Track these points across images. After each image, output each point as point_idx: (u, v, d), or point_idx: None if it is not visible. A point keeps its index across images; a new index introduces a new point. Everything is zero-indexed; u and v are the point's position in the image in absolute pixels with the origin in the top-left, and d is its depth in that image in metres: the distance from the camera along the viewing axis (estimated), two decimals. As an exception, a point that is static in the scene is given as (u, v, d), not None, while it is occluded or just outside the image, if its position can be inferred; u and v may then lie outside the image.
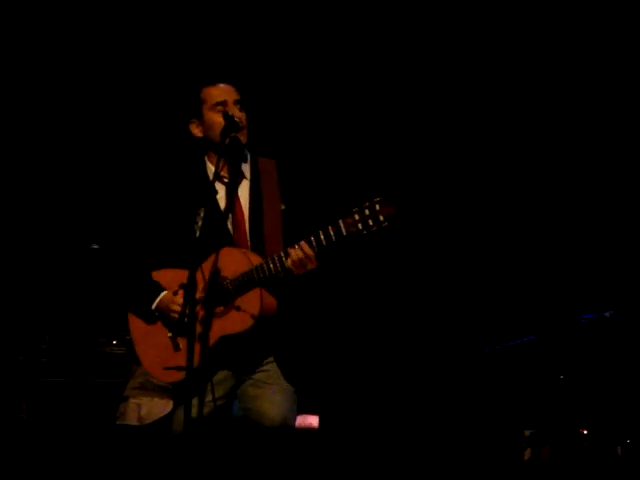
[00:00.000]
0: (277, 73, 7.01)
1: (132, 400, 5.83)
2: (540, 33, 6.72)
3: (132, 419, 5.80)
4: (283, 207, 4.29)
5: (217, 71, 4.75)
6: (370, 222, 3.92)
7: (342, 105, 7.09)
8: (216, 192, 4.30)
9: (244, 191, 4.35)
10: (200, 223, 4.03)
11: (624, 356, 6.02)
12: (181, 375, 4.09)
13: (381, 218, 3.91)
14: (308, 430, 6.54)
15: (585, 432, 5.81)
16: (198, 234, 4.01)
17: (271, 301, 4.17)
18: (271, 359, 4.28)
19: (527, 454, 5.91)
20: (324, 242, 4.00)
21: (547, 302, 6.71)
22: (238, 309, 4.12)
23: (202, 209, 4.06)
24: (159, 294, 4.28)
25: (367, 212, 3.92)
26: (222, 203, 4.32)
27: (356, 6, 6.91)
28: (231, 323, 4.12)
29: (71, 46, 7.00)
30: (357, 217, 3.93)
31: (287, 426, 4.24)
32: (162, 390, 5.68)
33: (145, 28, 6.96)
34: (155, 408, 5.74)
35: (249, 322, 4.11)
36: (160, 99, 6.91)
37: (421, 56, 7.00)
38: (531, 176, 6.99)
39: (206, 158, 4.41)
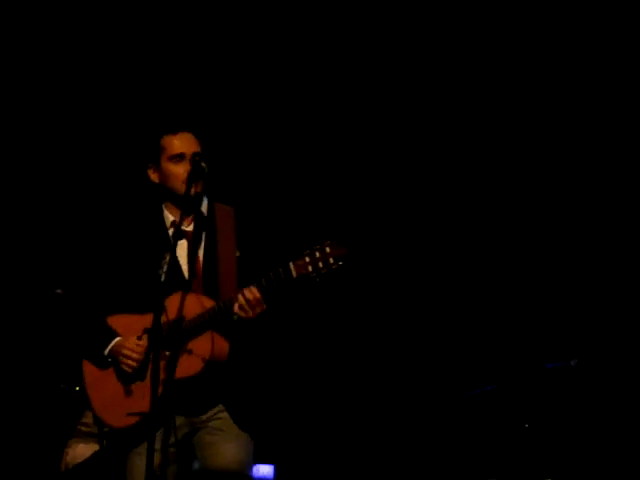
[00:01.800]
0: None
1: (65, 449, 5.84)
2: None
3: (62, 467, 5.79)
4: (238, 254, 4.28)
5: (176, 117, 4.72)
6: (320, 264, 3.95)
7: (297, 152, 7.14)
8: (179, 238, 4.29)
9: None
10: (165, 268, 4.01)
11: (589, 405, 6.03)
12: (131, 420, 4.13)
13: (331, 260, 3.95)
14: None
15: (549, 481, 5.81)
16: (163, 278, 4.00)
17: (223, 345, 4.17)
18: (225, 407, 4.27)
19: (491, 503, 5.89)
20: (274, 283, 4.00)
21: (511, 350, 6.71)
22: (190, 352, 4.10)
23: (168, 254, 4.05)
24: (112, 340, 4.24)
25: (317, 254, 3.97)
26: (180, 250, 4.30)
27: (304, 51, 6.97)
28: (182, 367, 4.09)
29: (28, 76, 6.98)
30: (307, 259, 3.97)
31: (243, 474, 4.21)
32: (86, 435, 5.68)
33: (97, 72, 6.96)
34: (77, 452, 5.74)
35: (200, 365, 4.09)
36: (118, 141, 6.90)
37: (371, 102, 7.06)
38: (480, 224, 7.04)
39: (163, 206, 4.41)
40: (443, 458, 6.80)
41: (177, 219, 4.28)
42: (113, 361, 4.25)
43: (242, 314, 4.07)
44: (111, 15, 6.83)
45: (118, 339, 4.25)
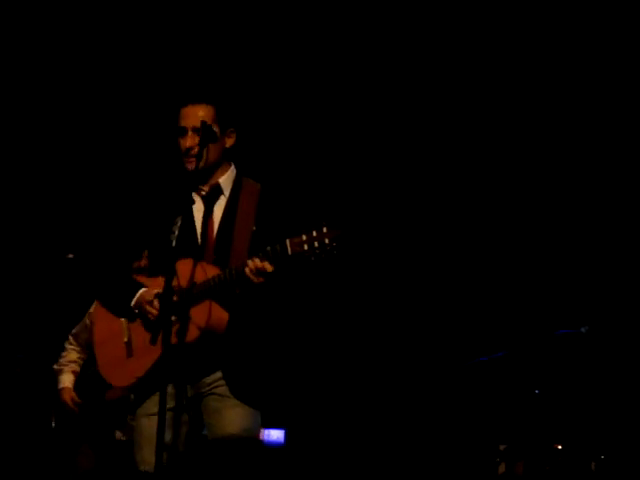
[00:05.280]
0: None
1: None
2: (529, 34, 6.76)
3: None
4: (254, 228, 4.29)
5: (196, 89, 4.71)
6: (315, 244, 3.97)
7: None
8: (193, 202, 4.30)
9: (219, 207, 4.35)
10: (177, 233, 4.02)
11: (599, 372, 6.04)
12: (130, 381, 4.22)
13: (326, 241, 3.96)
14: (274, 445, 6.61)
15: (559, 447, 5.82)
16: (174, 244, 4.01)
17: (221, 315, 4.16)
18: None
19: (501, 469, 5.91)
20: (270, 258, 4.04)
21: (523, 317, 6.72)
22: (189, 320, 4.11)
23: (179, 218, 4.06)
24: (137, 291, 4.26)
25: (314, 234, 3.98)
26: (197, 215, 4.32)
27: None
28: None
29: (59, 47, 6.99)
30: (304, 237, 3.98)
31: (249, 439, 4.23)
32: None
33: (137, 32, 6.95)
34: None
35: (196, 333, 4.10)
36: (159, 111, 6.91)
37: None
38: (500, 186, 7.05)
39: None
40: (454, 424, 6.83)
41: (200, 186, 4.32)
42: (139, 313, 4.24)
43: (253, 278, 4.09)
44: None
45: (143, 290, 4.24)
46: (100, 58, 7.02)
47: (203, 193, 4.33)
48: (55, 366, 5.88)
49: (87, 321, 5.90)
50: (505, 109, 6.96)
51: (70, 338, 5.92)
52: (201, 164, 4.21)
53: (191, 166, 4.22)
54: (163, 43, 6.97)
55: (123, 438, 5.72)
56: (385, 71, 7.03)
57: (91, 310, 5.91)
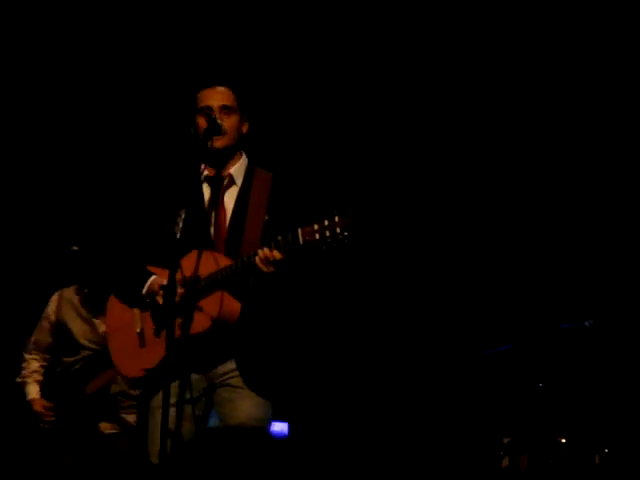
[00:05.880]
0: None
1: None
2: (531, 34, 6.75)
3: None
4: (267, 218, 4.30)
5: (216, 73, 4.72)
6: (327, 233, 3.97)
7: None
8: (202, 194, 4.32)
9: (231, 197, 4.36)
10: (181, 224, 4.04)
11: (603, 365, 6.04)
12: (141, 372, 4.25)
13: (338, 230, 3.96)
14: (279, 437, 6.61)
15: (563, 440, 5.82)
16: (179, 235, 4.02)
17: (233, 306, 4.17)
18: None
19: (505, 462, 5.92)
20: (282, 248, 4.05)
21: (527, 310, 6.73)
22: (200, 310, 4.12)
23: (183, 210, 4.07)
24: (148, 279, 4.27)
25: (326, 223, 3.99)
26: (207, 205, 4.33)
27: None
28: (192, 323, 4.13)
29: (68, 43, 6.99)
30: (316, 227, 3.98)
31: (260, 431, 4.24)
32: None
33: (149, 26, 6.95)
34: None
35: (207, 324, 4.11)
36: (164, 100, 6.91)
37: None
38: (507, 180, 7.06)
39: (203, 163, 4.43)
40: (458, 416, 6.84)
41: (210, 174, 4.33)
42: (151, 301, 4.26)
43: (264, 268, 4.09)
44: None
45: (153, 277, 4.27)
46: (103, 50, 7.02)
47: (210, 175, 4.34)
48: (18, 379, 5.86)
49: (45, 324, 5.89)
50: (512, 98, 6.96)
51: (28, 347, 5.90)
52: (223, 142, 4.26)
53: (223, 143, 4.27)
54: (167, 35, 6.97)
55: (113, 431, 5.71)
56: (395, 62, 7.03)
57: (48, 310, 5.91)
